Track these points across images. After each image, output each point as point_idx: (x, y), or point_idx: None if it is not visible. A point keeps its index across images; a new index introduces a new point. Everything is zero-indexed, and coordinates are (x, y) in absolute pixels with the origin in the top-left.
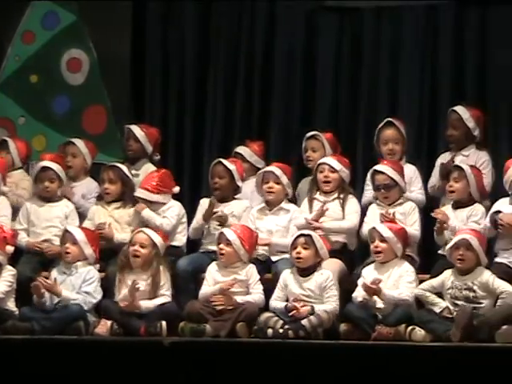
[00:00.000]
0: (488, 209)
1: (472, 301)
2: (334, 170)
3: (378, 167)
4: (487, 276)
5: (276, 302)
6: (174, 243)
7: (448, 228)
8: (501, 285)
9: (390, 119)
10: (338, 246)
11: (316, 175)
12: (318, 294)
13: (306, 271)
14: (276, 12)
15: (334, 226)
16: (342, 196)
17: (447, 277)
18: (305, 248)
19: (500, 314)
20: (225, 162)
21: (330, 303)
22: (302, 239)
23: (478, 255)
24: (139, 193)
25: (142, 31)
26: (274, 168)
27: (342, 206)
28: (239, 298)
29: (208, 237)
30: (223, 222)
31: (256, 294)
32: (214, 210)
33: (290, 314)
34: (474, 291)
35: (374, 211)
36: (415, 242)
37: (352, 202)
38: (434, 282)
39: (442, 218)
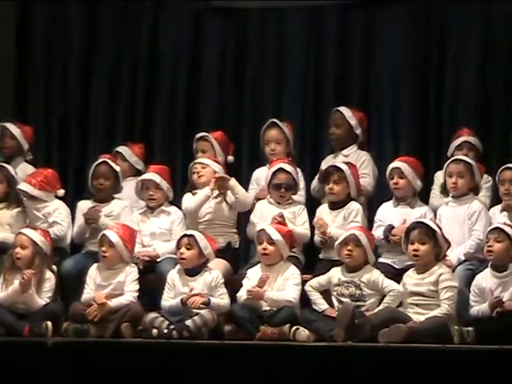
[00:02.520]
0: (363, 205)
1: (357, 298)
2: (205, 166)
3: (284, 166)
4: (376, 275)
5: (167, 302)
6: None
7: (328, 236)
8: (389, 284)
9: (273, 120)
10: (222, 244)
11: (191, 176)
12: (207, 293)
13: (192, 271)
14: (162, 12)
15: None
16: (222, 191)
17: (334, 274)
18: (188, 248)
19: (382, 316)
20: (110, 162)
21: (222, 300)
22: (185, 239)
23: (365, 252)
24: (22, 186)
25: (27, 31)
26: (153, 175)
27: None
28: (115, 301)
29: (91, 238)
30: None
31: (129, 293)
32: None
33: (187, 305)
34: (361, 289)
35: (262, 209)
36: (305, 241)
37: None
38: (322, 279)
39: (323, 227)
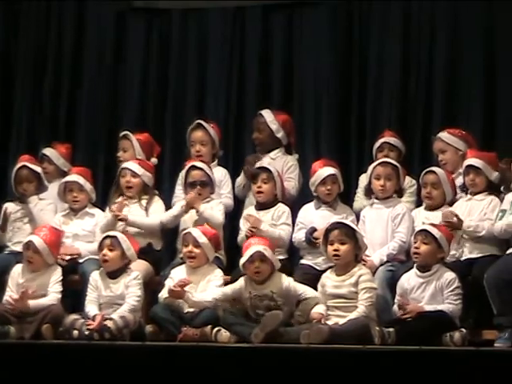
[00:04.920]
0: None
1: (274, 309)
2: (135, 175)
3: (195, 163)
4: (286, 282)
5: (90, 305)
6: None
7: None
8: (301, 289)
9: (199, 121)
10: (143, 245)
11: (119, 180)
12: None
13: (114, 273)
14: (85, 12)
15: (138, 220)
16: (145, 198)
17: (243, 286)
18: (110, 250)
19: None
20: (30, 165)
21: (131, 299)
22: (107, 241)
23: (272, 264)
24: None
25: None
26: (76, 177)
27: (146, 207)
28: (37, 302)
29: (13, 237)
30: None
31: (52, 294)
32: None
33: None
34: (275, 300)
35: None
36: (219, 226)
37: (156, 202)
38: (230, 289)
39: (255, 224)
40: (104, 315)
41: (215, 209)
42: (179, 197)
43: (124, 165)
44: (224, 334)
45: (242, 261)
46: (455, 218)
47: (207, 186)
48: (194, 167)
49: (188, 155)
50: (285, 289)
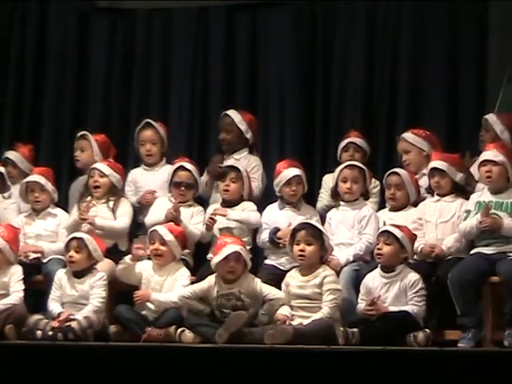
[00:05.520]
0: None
1: (240, 309)
2: (103, 175)
3: (184, 164)
4: (254, 283)
5: (53, 303)
6: None
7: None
8: (267, 290)
9: (148, 120)
10: (109, 245)
11: (88, 180)
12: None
13: (79, 272)
14: (48, 12)
15: (106, 224)
16: (113, 199)
17: (211, 285)
18: (77, 251)
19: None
20: None
21: (95, 300)
22: (74, 242)
23: (246, 263)
24: None
25: None
26: (38, 177)
27: (113, 209)
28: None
29: None
30: None
31: (15, 294)
32: None
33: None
34: (242, 300)
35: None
36: (194, 240)
37: (124, 204)
38: (198, 288)
39: (221, 212)
40: (70, 314)
41: (195, 218)
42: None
43: (93, 165)
44: (188, 335)
45: (217, 259)
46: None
47: (192, 188)
48: (182, 168)
49: (138, 155)
50: (252, 289)
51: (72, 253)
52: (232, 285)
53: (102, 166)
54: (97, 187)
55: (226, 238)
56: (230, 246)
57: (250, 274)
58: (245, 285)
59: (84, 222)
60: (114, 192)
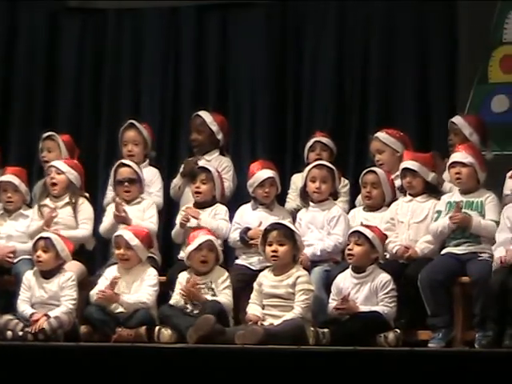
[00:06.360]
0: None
1: (211, 301)
2: (60, 172)
3: (123, 160)
4: (225, 275)
5: (23, 304)
6: None
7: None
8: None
9: (131, 121)
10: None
11: (46, 180)
12: (60, 295)
13: (48, 273)
14: (17, 12)
15: (70, 234)
16: (73, 200)
17: (184, 278)
18: (45, 251)
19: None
20: None
21: (64, 303)
22: (41, 242)
23: (218, 255)
24: None
25: None
26: (11, 177)
27: (74, 212)
28: None
29: None
30: None
31: None
32: None
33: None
34: (213, 290)
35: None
36: (153, 234)
37: (85, 209)
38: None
39: (194, 214)
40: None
41: (148, 212)
42: (108, 198)
43: (50, 163)
44: (165, 333)
45: (190, 248)
46: None
47: (135, 183)
48: (122, 165)
49: (120, 155)
50: (222, 281)
51: (40, 253)
52: (204, 276)
53: (59, 163)
54: (54, 184)
55: (199, 231)
56: (202, 236)
57: (221, 268)
58: (215, 277)
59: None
60: (73, 190)
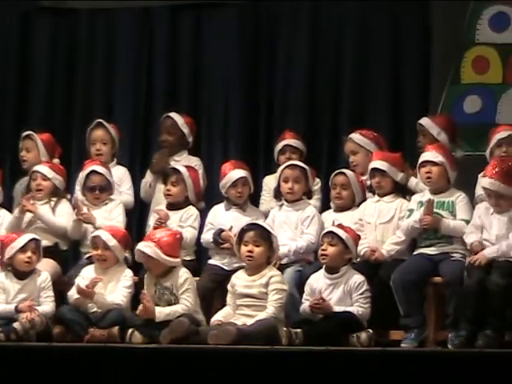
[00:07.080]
0: (201, 211)
1: (174, 304)
2: (46, 178)
3: (95, 167)
4: (185, 276)
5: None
6: None
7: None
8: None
9: (99, 120)
10: (49, 245)
11: (30, 182)
12: (36, 295)
13: (22, 274)
14: None
15: (46, 215)
16: (54, 199)
17: (147, 282)
18: (34, 252)
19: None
20: None
21: (46, 303)
22: (32, 244)
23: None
24: None
25: None
26: None
27: (53, 208)
28: None
29: None
30: None
31: None
32: None
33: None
34: (175, 294)
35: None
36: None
37: (64, 205)
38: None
39: (163, 217)
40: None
41: (114, 212)
42: (78, 198)
43: (35, 168)
44: (137, 336)
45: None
46: None
47: (106, 190)
48: (94, 172)
49: (88, 155)
50: (181, 283)
51: (30, 254)
52: (165, 278)
53: (45, 169)
54: (39, 190)
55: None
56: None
57: (183, 268)
58: (175, 278)
59: (25, 211)
60: (56, 193)
